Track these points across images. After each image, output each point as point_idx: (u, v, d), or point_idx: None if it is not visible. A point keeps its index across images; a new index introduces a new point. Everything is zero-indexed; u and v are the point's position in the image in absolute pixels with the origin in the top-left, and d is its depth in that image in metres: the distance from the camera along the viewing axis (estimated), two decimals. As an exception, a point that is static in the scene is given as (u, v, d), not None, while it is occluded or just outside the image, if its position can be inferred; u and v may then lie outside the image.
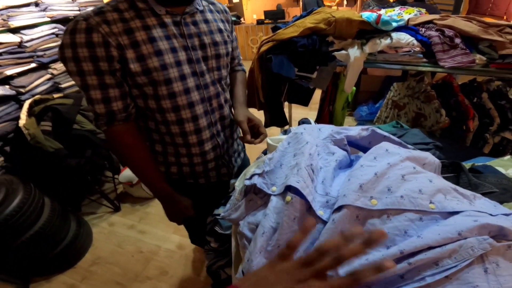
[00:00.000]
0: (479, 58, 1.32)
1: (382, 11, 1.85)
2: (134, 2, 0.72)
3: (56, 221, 1.67)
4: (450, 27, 1.41)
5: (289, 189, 0.54)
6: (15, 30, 2.12)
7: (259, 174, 0.66)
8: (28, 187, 1.61)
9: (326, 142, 0.71)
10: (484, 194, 0.65)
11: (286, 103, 1.99)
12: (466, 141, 1.34)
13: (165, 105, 0.78)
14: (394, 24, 1.48)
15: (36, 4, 2.24)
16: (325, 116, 1.95)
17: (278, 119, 1.93)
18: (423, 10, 1.81)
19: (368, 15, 1.52)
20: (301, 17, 1.76)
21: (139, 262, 1.76)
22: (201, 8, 0.82)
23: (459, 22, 1.43)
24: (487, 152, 1.37)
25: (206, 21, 0.83)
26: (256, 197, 0.63)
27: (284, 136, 0.94)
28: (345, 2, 6.20)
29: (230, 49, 0.90)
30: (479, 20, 1.43)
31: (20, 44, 2.10)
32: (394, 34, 1.45)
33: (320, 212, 0.51)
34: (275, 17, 5.47)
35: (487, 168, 0.78)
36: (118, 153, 0.89)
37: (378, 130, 0.73)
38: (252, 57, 1.77)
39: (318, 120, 2.03)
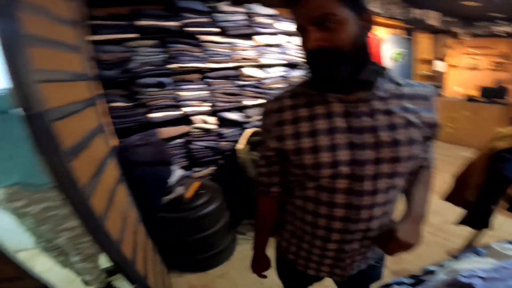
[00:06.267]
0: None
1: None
2: (307, 88, 0.70)
3: (223, 231, 1.97)
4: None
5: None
6: (261, 67, 2.40)
7: (482, 278, 0.60)
8: (223, 198, 1.96)
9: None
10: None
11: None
12: None
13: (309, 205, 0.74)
14: None
15: (278, 46, 2.51)
16: None
17: (479, 222, 1.67)
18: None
19: None
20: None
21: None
22: (386, 95, 0.66)
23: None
24: None
25: (388, 112, 0.65)
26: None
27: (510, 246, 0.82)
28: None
29: (417, 151, 0.67)
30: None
31: (260, 80, 2.38)
32: None
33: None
34: (493, 95, 4.51)
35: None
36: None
37: None
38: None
39: None
